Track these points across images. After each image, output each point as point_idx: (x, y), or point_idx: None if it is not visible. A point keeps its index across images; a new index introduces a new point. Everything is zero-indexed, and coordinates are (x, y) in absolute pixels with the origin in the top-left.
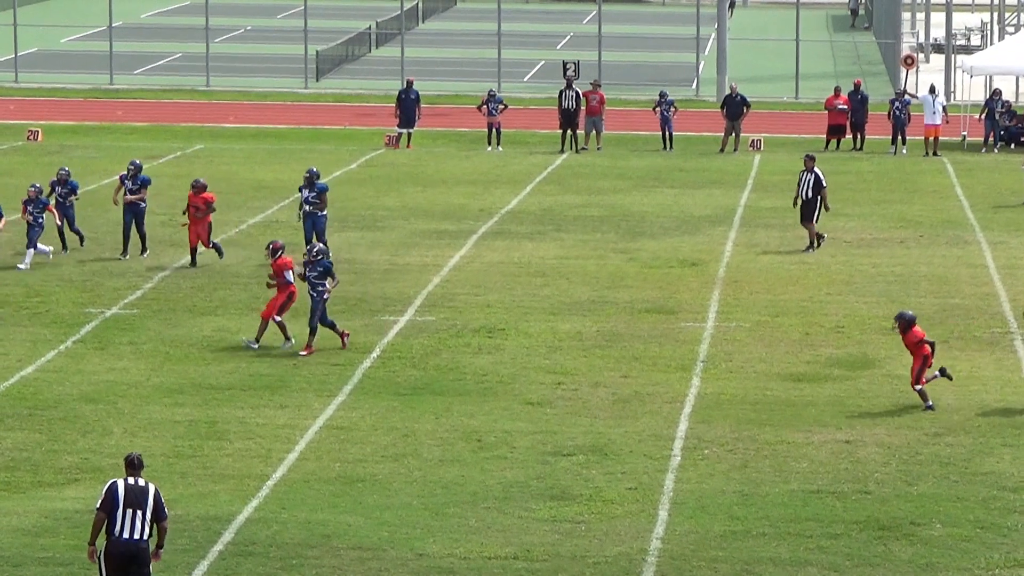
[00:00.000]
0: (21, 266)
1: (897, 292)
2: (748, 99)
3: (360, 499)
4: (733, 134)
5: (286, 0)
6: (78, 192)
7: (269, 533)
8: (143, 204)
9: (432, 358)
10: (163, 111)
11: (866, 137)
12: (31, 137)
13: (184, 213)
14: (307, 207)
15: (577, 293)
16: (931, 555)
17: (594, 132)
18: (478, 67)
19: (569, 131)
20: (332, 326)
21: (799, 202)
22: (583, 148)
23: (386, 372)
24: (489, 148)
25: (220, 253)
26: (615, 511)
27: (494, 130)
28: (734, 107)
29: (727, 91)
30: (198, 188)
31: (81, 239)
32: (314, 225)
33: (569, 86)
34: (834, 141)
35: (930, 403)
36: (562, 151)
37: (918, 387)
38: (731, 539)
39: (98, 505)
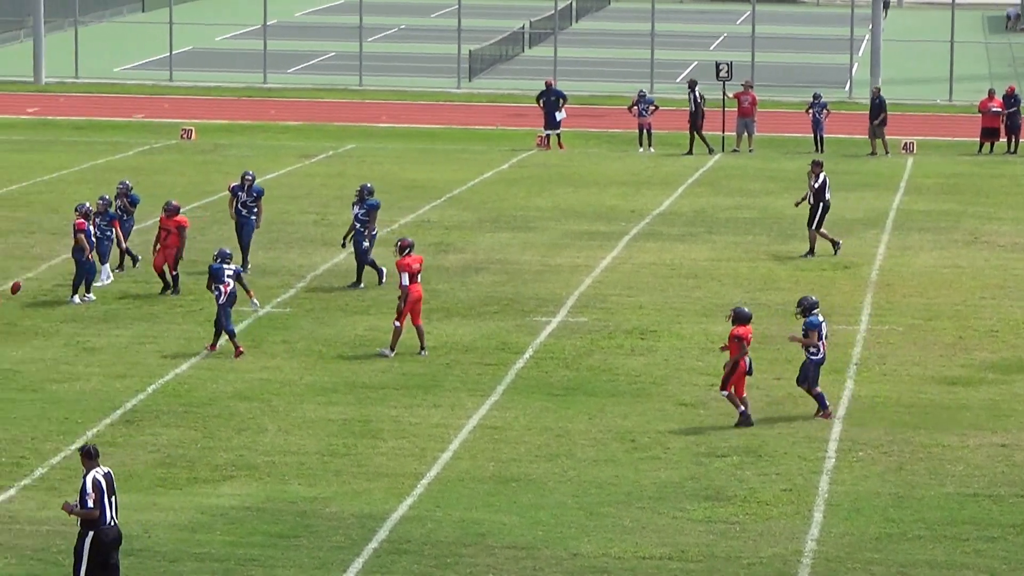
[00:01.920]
0: (99, 284)
1: None
2: (886, 102)
3: (514, 498)
4: (878, 137)
5: None
6: (136, 205)
7: (423, 531)
8: (254, 217)
9: (585, 359)
10: (316, 110)
11: (1020, 140)
12: (185, 136)
13: (156, 238)
14: (356, 225)
15: (729, 295)
16: None
17: (746, 134)
18: (631, 67)
19: (695, 132)
20: None
21: (803, 205)
22: (735, 150)
23: (539, 372)
24: (641, 149)
25: (174, 284)
26: (770, 512)
27: (645, 131)
28: (872, 110)
29: (878, 93)
30: (170, 211)
31: (134, 260)
32: (357, 246)
33: (691, 88)
34: (987, 144)
35: None
36: (689, 152)
37: None
38: (886, 541)
39: (91, 504)
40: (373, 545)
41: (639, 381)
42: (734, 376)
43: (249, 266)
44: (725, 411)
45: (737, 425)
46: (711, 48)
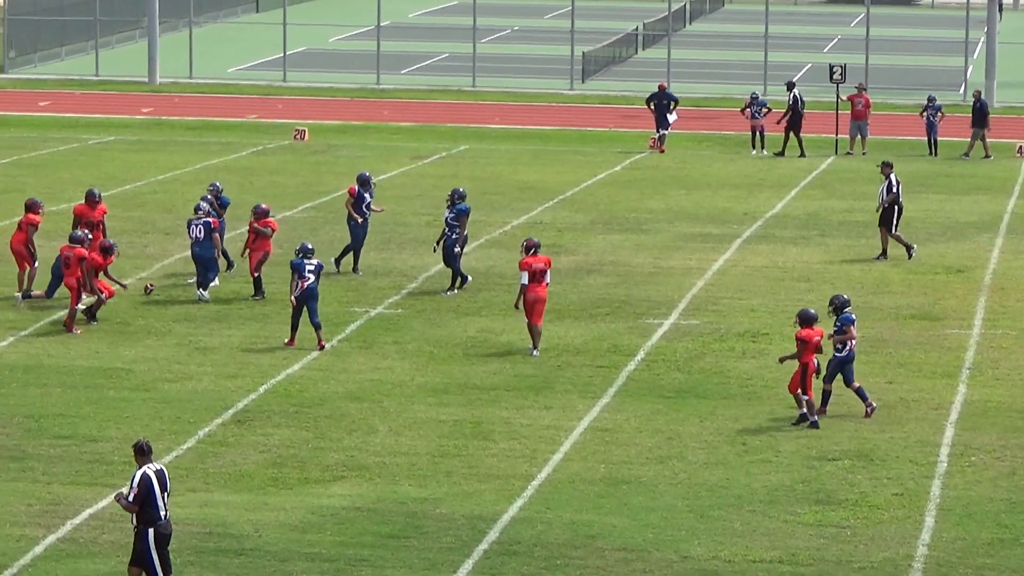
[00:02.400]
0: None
1: None
2: (987, 105)
3: (625, 500)
4: (979, 140)
5: (554, 1)
6: (227, 208)
7: (534, 533)
8: (364, 220)
9: (696, 362)
10: (429, 111)
11: None
12: (298, 136)
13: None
14: (446, 229)
15: None
16: None
17: (859, 137)
18: (744, 69)
19: (792, 134)
20: None
21: (880, 210)
22: (848, 152)
23: (650, 375)
24: (753, 152)
25: (256, 288)
26: (881, 516)
27: (758, 133)
28: (974, 113)
29: (979, 96)
30: (259, 214)
31: (229, 264)
32: (447, 250)
33: (789, 89)
34: None
35: None
36: (781, 154)
37: None
38: (999, 547)
39: (131, 499)
40: (483, 546)
41: (750, 384)
42: (806, 377)
43: (360, 272)
44: (837, 414)
45: (795, 423)
46: (825, 50)
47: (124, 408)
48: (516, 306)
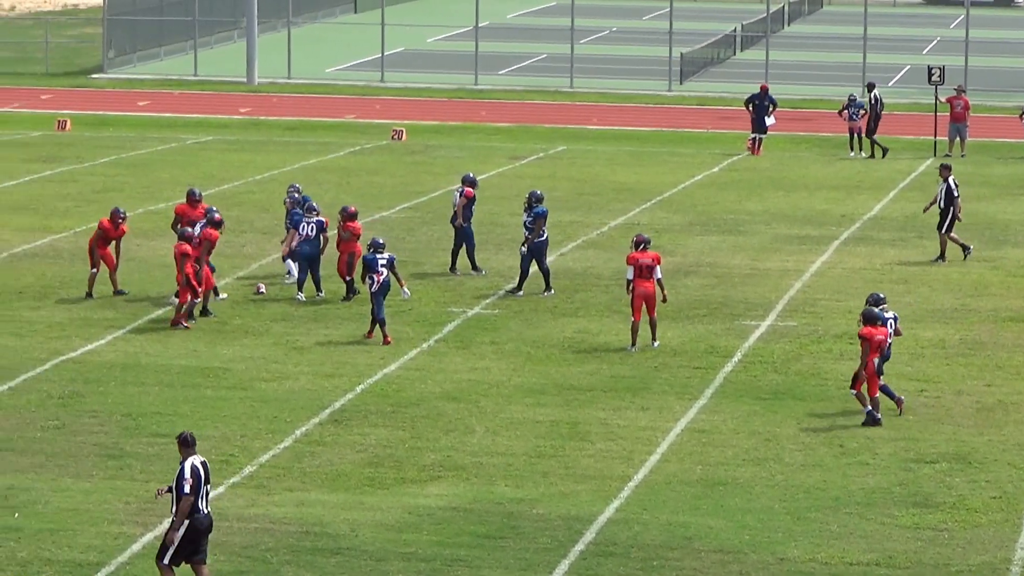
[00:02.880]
0: (287, 281)
1: None
2: None
3: (721, 502)
4: None
5: (652, 2)
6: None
7: (630, 534)
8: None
9: (793, 363)
10: (526, 112)
11: None
12: (395, 136)
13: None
14: (524, 232)
15: (940, 301)
16: None
17: (958, 139)
18: (842, 71)
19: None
20: None
21: (931, 210)
22: (947, 155)
23: (747, 376)
24: (851, 153)
25: (348, 290)
26: (979, 520)
27: (856, 135)
28: None
29: None
30: (347, 216)
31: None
32: (529, 253)
33: (869, 90)
34: None
35: None
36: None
37: None
38: None
39: (188, 490)
40: (579, 547)
41: (847, 386)
42: (863, 376)
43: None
44: (935, 417)
45: (864, 424)
46: (924, 52)
47: (221, 407)
48: (633, 306)
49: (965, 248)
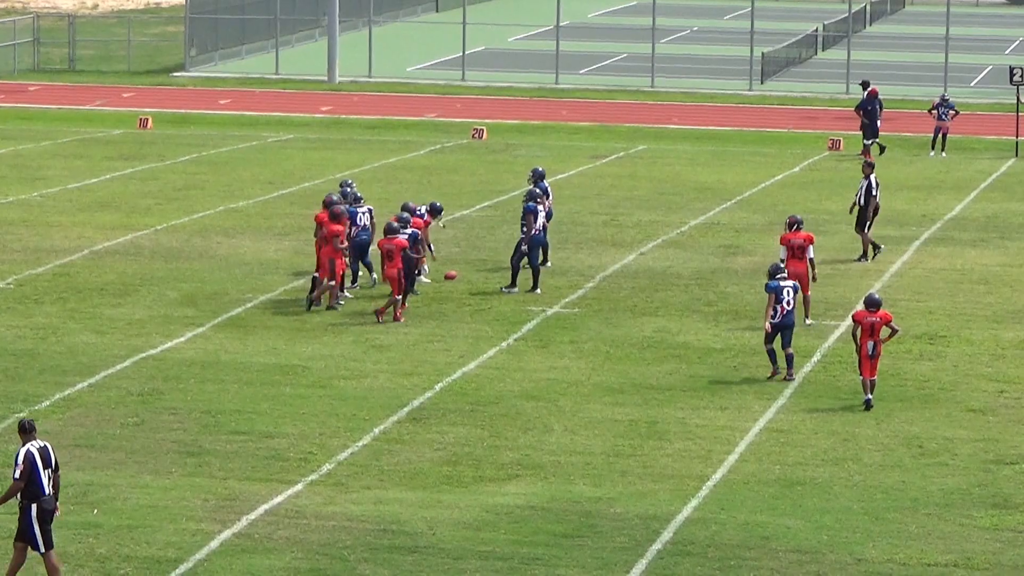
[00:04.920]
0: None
1: None
2: None
3: (799, 502)
4: None
5: (733, 1)
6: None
7: (708, 533)
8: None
9: None
10: (607, 111)
11: None
12: (476, 135)
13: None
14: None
15: (1021, 301)
16: None
17: None
18: (924, 71)
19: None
20: None
21: (854, 209)
22: None
23: (827, 376)
24: (932, 153)
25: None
26: None
27: (941, 135)
28: None
29: None
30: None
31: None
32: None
33: (864, 88)
34: None
35: None
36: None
37: None
38: None
39: (17, 475)
40: (656, 547)
41: (927, 386)
42: (860, 358)
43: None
44: (1015, 418)
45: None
46: (1006, 52)
47: (300, 405)
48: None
49: (875, 248)
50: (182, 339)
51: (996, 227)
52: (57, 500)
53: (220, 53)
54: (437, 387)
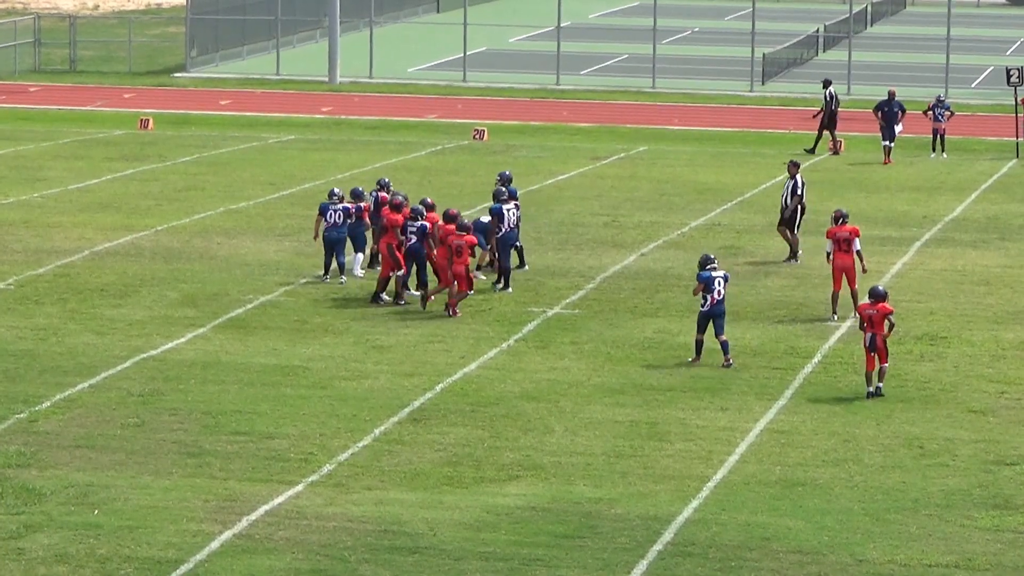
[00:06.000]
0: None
1: None
2: None
3: (800, 503)
4: None
5: (734, 2)
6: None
7: (708, 534)
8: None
9: None
10: (608, 112)
11: None
12: (477, 136)
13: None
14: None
15: (1022, 303)
16: None
17: None
18: (925, 72)
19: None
20: None
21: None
22: None
23: (828, 377)
24: (933, 155)
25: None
26: None
27: (939, 136)
28: None
29: None
30: (450, 218)
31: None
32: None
33: (825, 86)
34: None
35: None
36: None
37: None
38: None
39: None
40: (657, 547)
41: (928, 387)
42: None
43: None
44: (1016, 419)
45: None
46: (1007, 53)
47: (301, 405)
48: (835, 278)
49: (793, 254)
50: (182, 340)
51: (997, 228)
52: None
53: (221, 54)
54: (438, 388)
